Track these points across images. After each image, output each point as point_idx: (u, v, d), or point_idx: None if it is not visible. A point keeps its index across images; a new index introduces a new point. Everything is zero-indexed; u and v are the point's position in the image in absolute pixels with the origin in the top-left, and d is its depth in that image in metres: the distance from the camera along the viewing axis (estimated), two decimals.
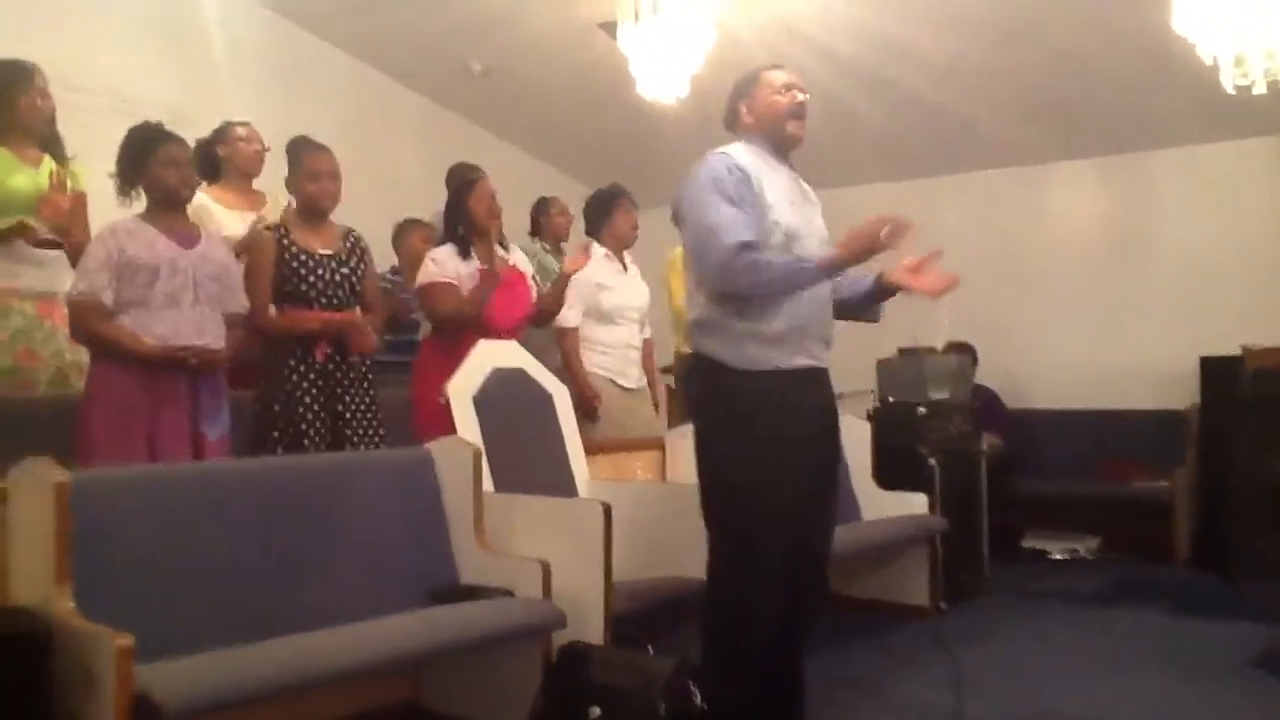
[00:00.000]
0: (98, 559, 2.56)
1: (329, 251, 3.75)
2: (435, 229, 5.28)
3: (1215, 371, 5.90)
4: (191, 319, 3.39)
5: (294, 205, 3.85)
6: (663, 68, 5.12)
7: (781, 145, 3.07)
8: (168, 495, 2.82)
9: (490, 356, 3.84)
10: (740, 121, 3.09)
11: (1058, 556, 6.29)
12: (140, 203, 3.50)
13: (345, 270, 3.76)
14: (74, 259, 3.72)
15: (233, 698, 2.38)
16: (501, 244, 4.38)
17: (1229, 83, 4.32)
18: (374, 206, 4.78)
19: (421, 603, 3.15)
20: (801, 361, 2.91)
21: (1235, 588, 5.30)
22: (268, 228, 3.77)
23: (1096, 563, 6.16)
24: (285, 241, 3.69)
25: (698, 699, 2.92)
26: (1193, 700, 3.64)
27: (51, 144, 3.80)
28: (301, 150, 3.77)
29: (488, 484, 3.48)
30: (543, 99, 6.90)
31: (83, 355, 3.70)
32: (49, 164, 3.75)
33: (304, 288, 3.66)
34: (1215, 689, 3.75)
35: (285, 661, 2.53)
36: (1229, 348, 5.69)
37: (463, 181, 4.38)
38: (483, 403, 3.74)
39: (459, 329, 4.04)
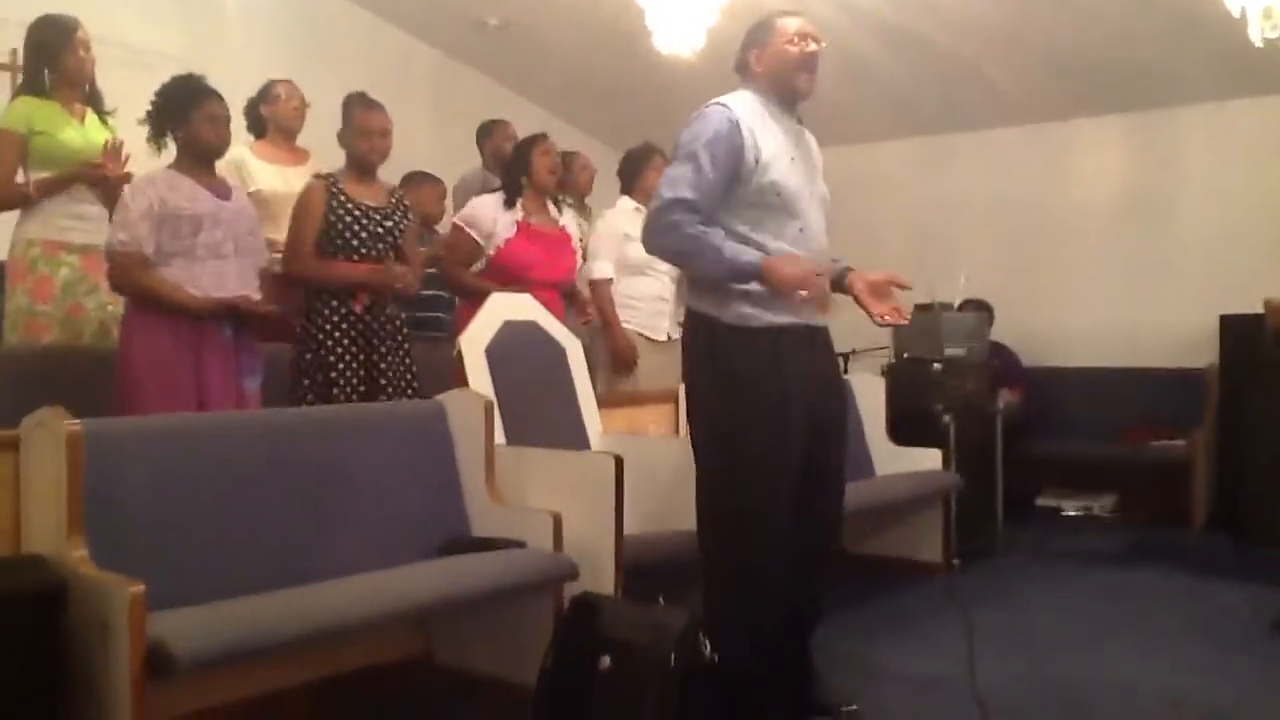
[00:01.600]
0: (110, 509, 2.56)
1: (375, 204, 3.80)
2: (445, 187, 5.30)
3: (1235, 330, 5.86)
4: (235, 271, 3.45)
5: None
6: (679, 19, 5.04)
7: (788, 97, 2.99)
8: (181, 446, 2.80)
9: (503, 309, 3.83)
10: (750, 69, 3.01)
11: (1071, 513, 6.29)
12: (168, 152, 3.50)
13: (389, 224, 3.80)
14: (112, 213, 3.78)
15: (247, 648, 2.39)
16: (556, 203, 4.47)
17: (1257, 36, 4.24)
18: (388, 161, 4.75)
19: (433, 555, 3.15)
20: (793, 319, 2.86)
21: (1252, 550, 5.27)
22: (317, 176, 3.82)
23: (1111, 523, 6.15)
24: (334, 190, 3.73)
25: (708, 651, 2.92)
26: (1209, 664, 3.63)
27: (93, 98, 3.83)
28: (355, 107, 3.82)
29: (499, 437, 3.48)
30: (559, 53, 6.83)
31: (121, 309, 3.74)
32: (93, 118, 3.79)
33: (349, 236, 3.70)
34: (1232, 652, 3.74)
35: (300, 612, 2.54)
36: (1250, 306, 5.62)
37: (531, 137, 4.47)
38: (495, 355, 3.73)
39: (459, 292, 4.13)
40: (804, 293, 2.74)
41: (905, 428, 5.03)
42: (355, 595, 2.71)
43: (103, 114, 3.87)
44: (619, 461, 3.21)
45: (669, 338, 4.79)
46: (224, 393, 3.35)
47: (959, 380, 5.19)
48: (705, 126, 2.82)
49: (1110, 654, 3.73)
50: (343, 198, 3.72)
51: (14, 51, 5.17)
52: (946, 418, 5.01)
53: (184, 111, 3.41)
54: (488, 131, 5.50)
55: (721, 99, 2.92)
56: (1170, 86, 6.29)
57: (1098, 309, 6.73)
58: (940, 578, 4.81)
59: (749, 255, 2.76)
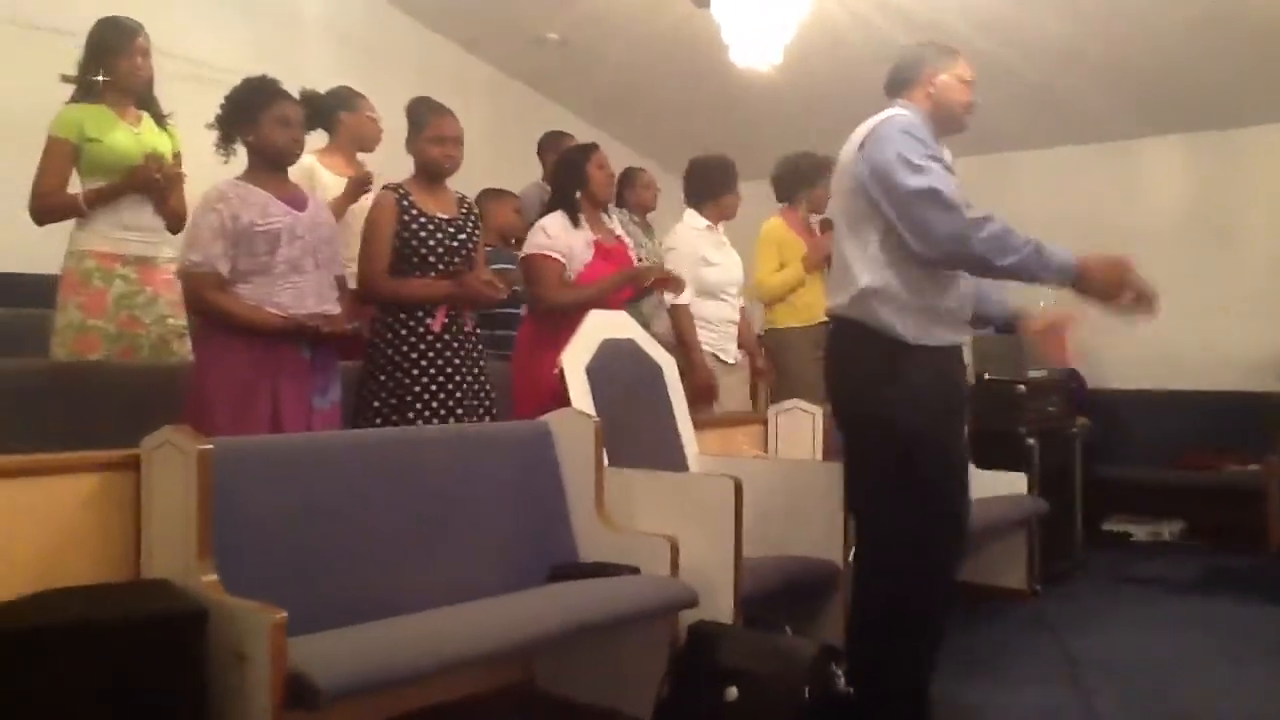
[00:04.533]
0: (235, 531, 2.46)
1: (447, 216, 3.63)
2: (519, 201, 5.21)
3: None
4: (314, 285, 3.26)
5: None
6: (757, 34, 4.97)
7: (942, 130, 2.94)
8: (292, 466, 2.70)
9: (601, 327, 3.71)
10: (916, 90, 2.93)
11: (1140, 539, 6.16)
12: (238, 159, 3.33)
13: (462, 236, 3.63)
14: (172, 225, 3.68)
15: (386, 678, 2.27)
16: (605, 211, 4.27)
17: None
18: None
19: (543, 578, 3.05)
20: (959, 338, 2.89)
21: None
22: (386, 187, 3.63)
23: (1184, 549, 6.04)
24: (405, 203, 3.55)
25: (842, 683, 2.81)
26: None
27: (149, 103, 3.72)
28: (427, 112, 3.63)
29: None
30: (617, 69, 6.76)
31: (183, 322, 3.65)
32: (149, 123, 3.68)
33: (424, 251, 3.52)
34: None
35: (433, 641, 2.41)
36: None
37: (581, 147, 4.27)
38: (594, 374, 3.62)
39: (561, 315, 3.85)
40: (1125, 298, 2.66)
41: (988, 450, 4.90)
42: (482, 623, 2.59)
43: (161, 120, 3.75)
44: (739, 485, 3.09)
45: (735, 360, 4.80)
46: (295, 415, 3.18)
47: (1042, 402, 5.08)
48: (924, 135, 2.76)
49: (1233, 688, 3.61)
50: (415, 210, 3.55)
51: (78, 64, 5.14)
52: (1031, 440, 4.90)
53: (253, 114, 3.21)
54: (550, 144, 5.40)
55: (901, 110, 2.85)
56: (1240, 106, 6.21)
57: (1164, 331, 6.55)
58: (1026, 604, 4.69)
59: (1063, 254, 2.66)
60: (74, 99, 3.65)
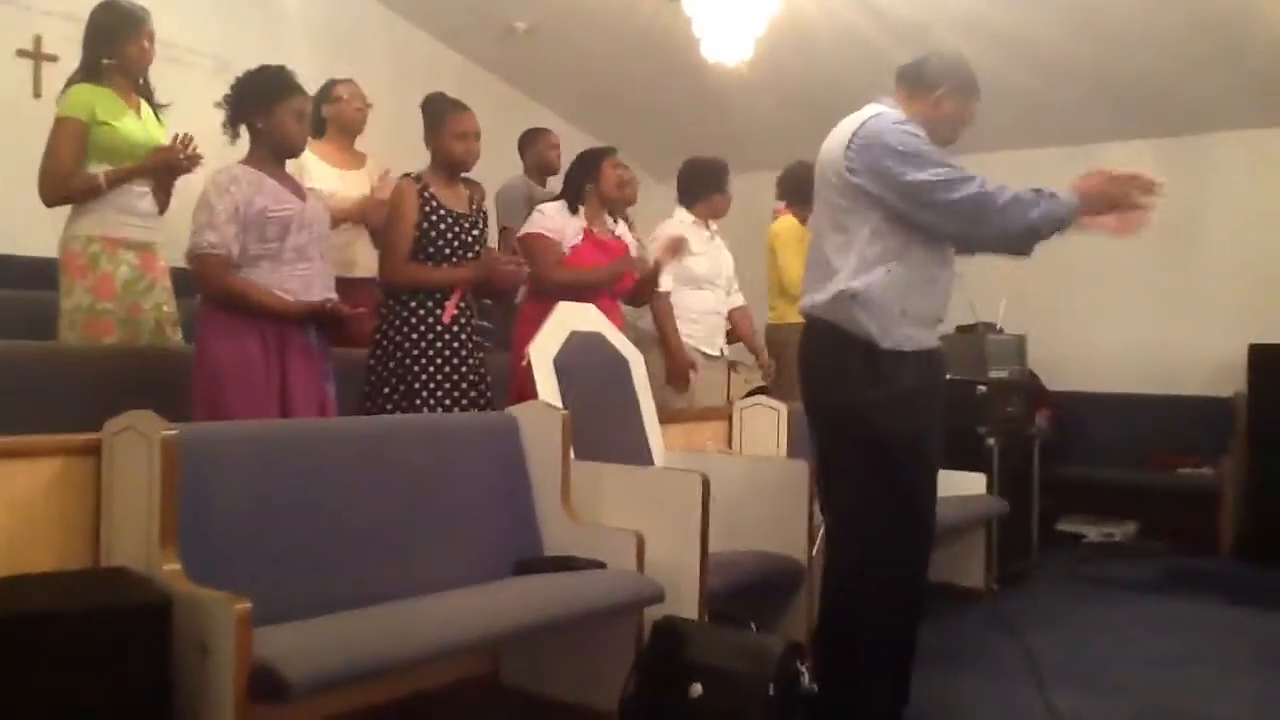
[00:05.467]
0: (199, 519, 2.41)
1: (462, 210, 3.67)
2: (483, 188, 5.18)
3: (1265, 360, 5.84)
4: (319, 274, 3.28)
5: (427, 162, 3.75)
6: (727, 28, 4.97)
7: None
8: (269, 453, 2.66)
9: (569, 319, 3.70)
10: (920, 98, 2.90)
11: (1093, 540, 6.23)
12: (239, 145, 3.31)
13: (476, 232, 3.69)
14: (160, 210, 3.66)
15: (355, 671, 2.23)
16: (613, 216, 4.35)
17: None
18: (412, 167, 4.71)
19: (508, 571, 3.04)
20: (933, 342, 2.92)
21: None
22: (407, 176, 3.66)
23: (1137, 549, 6.11)
24: (426, 195, 3.58)
25: (807, 680, 2.82)
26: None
27: (145, 90, 3.69)
28: (447, 108, 3.67)
29: None
30: (587, 61, 6.72)
31: (175, 309, 3.65)
32: (148, 112, 3.66)
33: (441, 244, 3.57)
34: None
35: (402, 634, 2.39)
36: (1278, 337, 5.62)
37: (602, 148, 4.35)
38: (561, 367, 3.60)
39: (560, 296, 3.89)
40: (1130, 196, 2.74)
41: (947, 450, 4.92)
42: (449, 616, 2.57)
43: (157, 109, 3.72)
44: (706, 481, 3.09)
45: (719, 352, 4.81)
46: (308, 397, 3.20)
47: (1002, 403, 5.12)
48: (911, 127, 2.77)
49: (1187, 686, 3.65)
50: (435, 203, 3.59)
51: (37, 38, 5.06)
52: (990, 441, 4.93)
53: (268, 103, 3.21)
54: (530, 140, 5.43)
55: (889, 110, 2.84)
56: (1207, 112, 6.24)
57: (1124, 334, 6.67)
58: (983, 603, 4.73)
59: (1063, 191, 2.72)
60: (78, 79, 3.57)
